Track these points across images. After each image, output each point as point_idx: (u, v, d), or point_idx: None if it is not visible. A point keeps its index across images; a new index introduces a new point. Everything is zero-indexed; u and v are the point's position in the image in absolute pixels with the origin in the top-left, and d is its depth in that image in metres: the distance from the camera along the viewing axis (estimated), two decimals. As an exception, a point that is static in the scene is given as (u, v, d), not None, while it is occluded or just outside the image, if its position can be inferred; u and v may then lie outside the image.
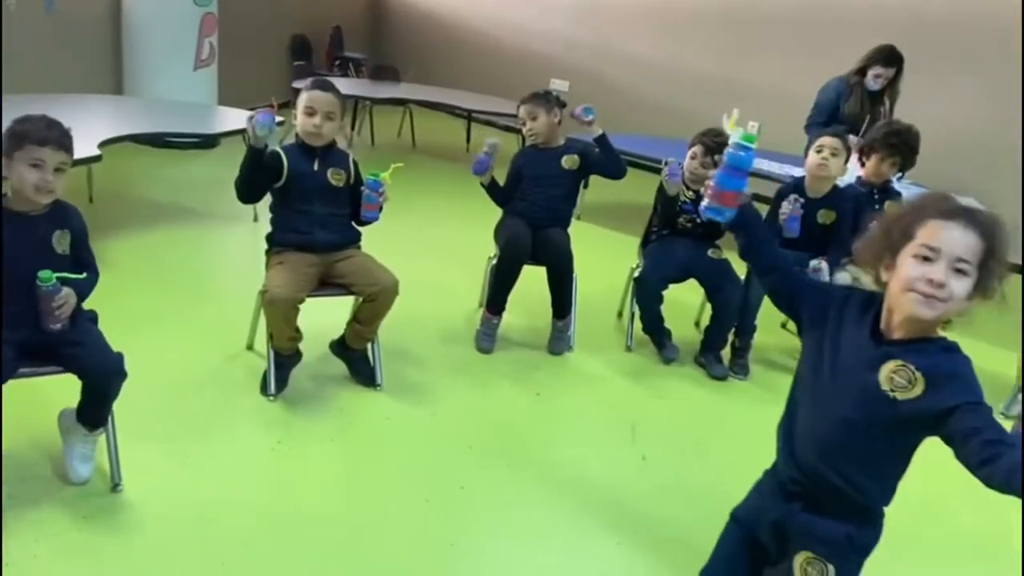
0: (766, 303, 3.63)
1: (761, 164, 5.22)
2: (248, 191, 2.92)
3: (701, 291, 3.70)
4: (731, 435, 3.17)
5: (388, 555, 2.24)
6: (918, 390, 1.46)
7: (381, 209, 2.97)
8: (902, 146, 3.74)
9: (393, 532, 2.33)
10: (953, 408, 1.41)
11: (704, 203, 1.73)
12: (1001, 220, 1.50)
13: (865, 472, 1.55)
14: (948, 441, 1.43)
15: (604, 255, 4.51)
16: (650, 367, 3.61)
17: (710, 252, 3.64)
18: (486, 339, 3.53)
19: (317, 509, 2.38)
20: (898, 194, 3.92)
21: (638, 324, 3.70)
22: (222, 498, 2.37)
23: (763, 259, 1.80)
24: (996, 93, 5.89)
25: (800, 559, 1.62)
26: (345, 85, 7.18)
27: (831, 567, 1.59)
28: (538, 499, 2.58)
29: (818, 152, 3.57)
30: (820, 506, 1.61)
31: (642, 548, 2.42)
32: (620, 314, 4.02)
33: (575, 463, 2.82)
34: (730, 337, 3.65)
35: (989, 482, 1.33)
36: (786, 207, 3.52)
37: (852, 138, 4.10)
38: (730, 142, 1.68)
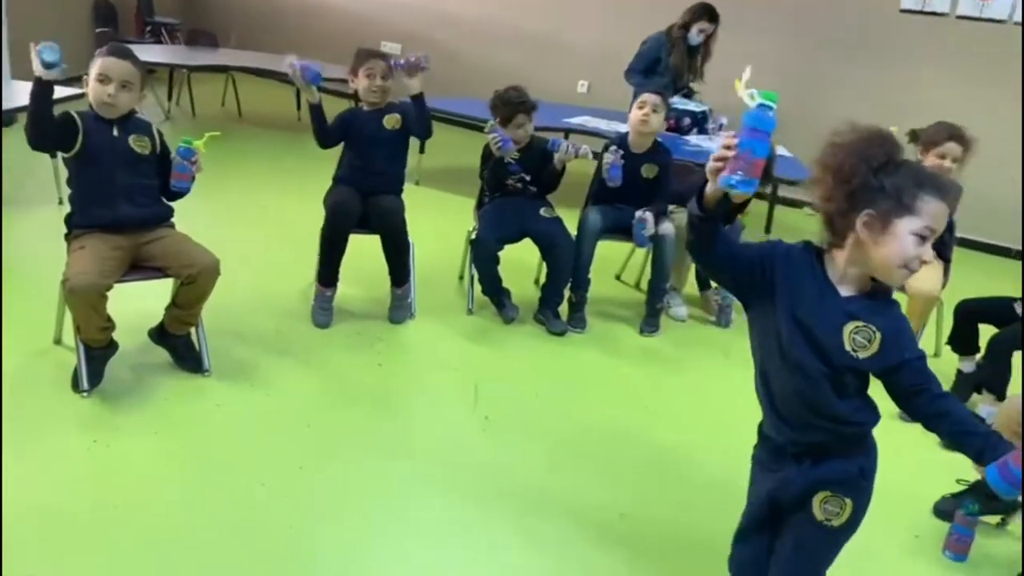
0: (598, 256, 3.74)
1: (590, 122, 5.35)
2: (35, 133, 2.64)
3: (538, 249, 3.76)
4: (570, 386, 3.24)
5: (223, 544, 2.13)
6: (875, 347, 1.56)
7: (193, 179, 2.78)
8: None
9: (228, 521, 2.22)
10: (902, 363, 1.56)
11: (735, 177, 1.47)
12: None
13: (850, 409, 1.62)
14: (893, 388, 1.59)
15: (443, 219, 4.48)
16: (492, 328, 3.63)
17: (543, 211, 3.68)
18: (322, 313, 3.42)
19: (142, 507, 2.23)
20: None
21: (478, 287, 3.71)
22: (32, 506, 2.17)
23: (719, 244, 1.64)
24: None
25: (818, 499, 1.67)
26: (159, 53, 6.69)
27: (848, 500, 1.66)
28: (380, 471, 2.54)
29: (640, 108, 3.67)
30: (827, 452, 1.66)
31: (485, 505, 2.44)
32: (461, 277, 4.02)
33: (418, 430, 2.80)
34: (567, 293, 3.73)
35: (934, 432, 1.60)
36: (608, 157, 3.61)
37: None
38: (751, 104, 1.49)
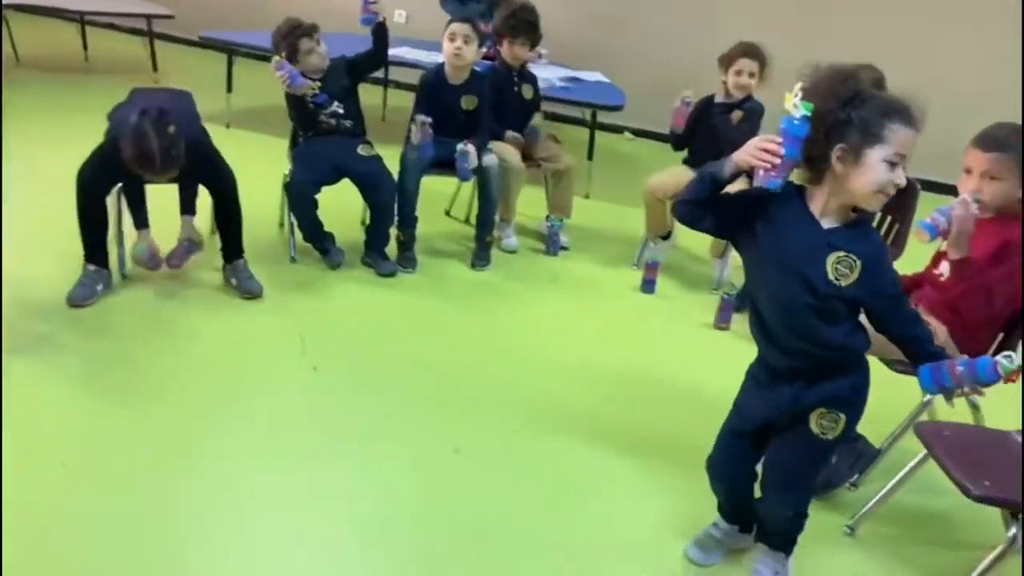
0: (425, 192, 3.66)
1: (410, 53, 5.16)
2: None
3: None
4: (403, 327, 3.19)
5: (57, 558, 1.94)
6: (856, 275, 1.67)
7: None
8: (524, 25, 3.88)
9: (50, 519, 2.02)
10: (878, 290, 1.69)
11: (775, 179, 1.65)
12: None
13: (841, 334, 1.73)
14: (870, 311, 1.75)
15: (258, 163, 4.19)
16: (317, 275, 3.48)
17: (360, 149, 3.53)
18: (81, 289, 2.98)
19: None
20: (533, 77, 4.09)
21: (299, 233, 3.54)
22: None
23: (712, 212, 1.79)
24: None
25: (815, 415, 1.80)
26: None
27: (842, 415, 1.80)
28: (209, 432, 2.40)
29: (451, 40, 3.57)
30: (819, 374, 1.78)
31: (316, 455, 2.36)
32: (281, 224, 3.82)
33: (239, 385, 2.65)
34: (393, 232, 3.64)
35: (899, 348, 1.77)
36: (415, 133, 3.49)
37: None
38: (796, 114, 1.62)
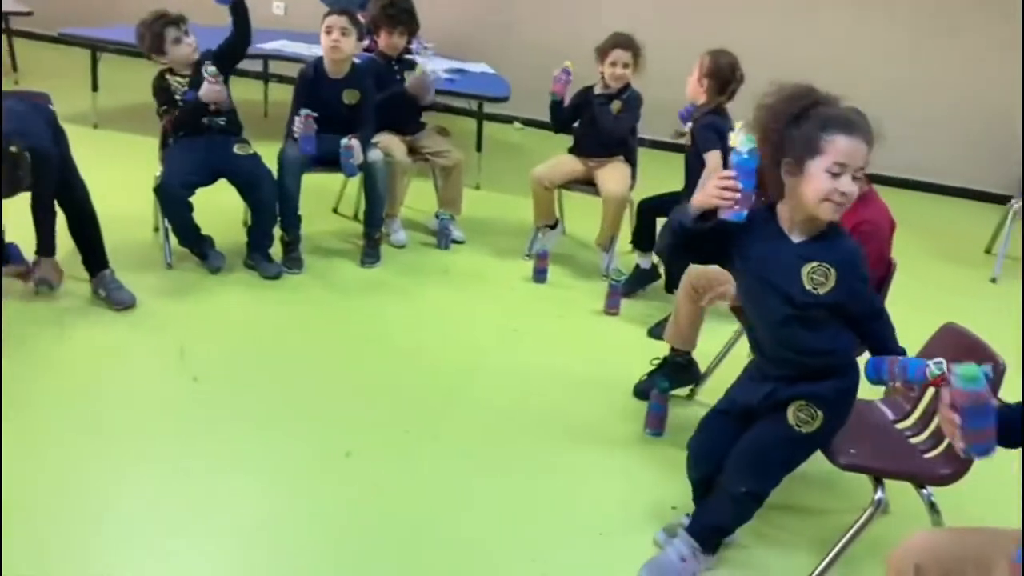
0: (312, 190, 3.57)
1: (289, 46, 5.02)
2: None
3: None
4: (290, 331, 3.10)
5: None
6: (832, 281, 1.77)
7: None
8: (401, 14, 3.82)
9: None
10: (856, 294, 1.80)
11: (740, 212, 1.73)
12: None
13: (826, 338, 1.84)
14: (848, 318, 1.83)
15: (129, 165, 4.00)
16: (196, 281, 3.34)
17: (236, 148, 3.41)
18: None
19: None
20: (412, 64, 4.04)
21: (175, 238, 3.38)
22: None
23: (693, 251, 1.95)
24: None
25: (793, 407, 1.88)
26: None
27: (820, 412, 1.87)
28: (84, 448, 2.26)
29: (328, 33, 3.48)
30: (806, 378, 1.87)
31: (203, 468, 2.27)
32: (156, 229, 3.64)
33: (111, 405, 2.51)
34: (277, 233, 3.53)
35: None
36: (297, 126, 3.38)
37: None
38: (741, 149, 1.72)
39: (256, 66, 5.72)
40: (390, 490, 2.30)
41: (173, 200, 3.24)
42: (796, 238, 1.82)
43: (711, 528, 2.05)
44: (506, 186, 4.81)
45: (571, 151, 3.90)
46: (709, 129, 3.20)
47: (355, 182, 3.98)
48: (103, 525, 2.04)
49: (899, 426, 2.15)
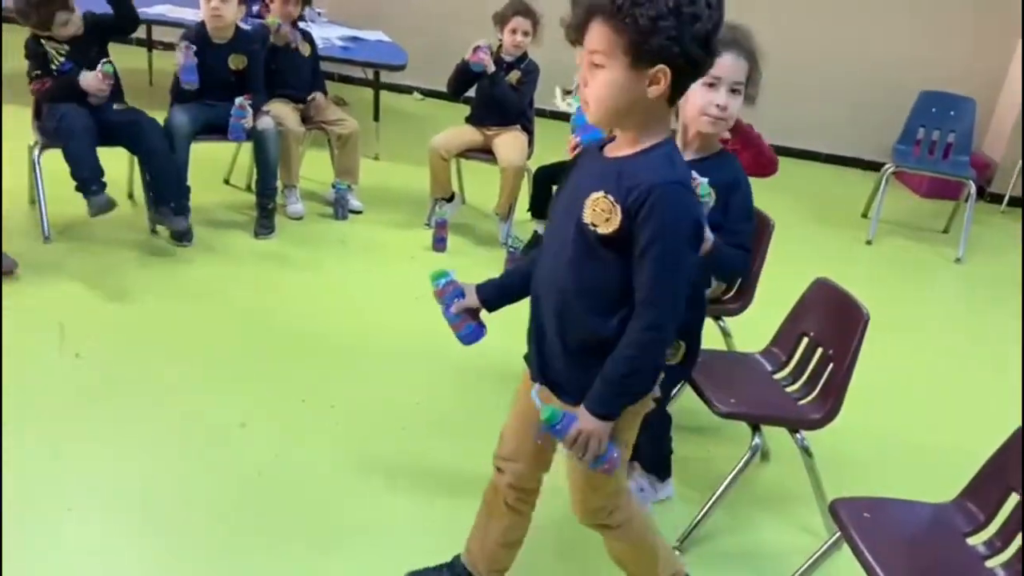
0: (203, 161, 3.45)
1: (173, 11, 4.80)
2: None
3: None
4: (180, 304, 3.00)
5: None
6: (711, 199, 1.77)
7: None
8: None
9: None
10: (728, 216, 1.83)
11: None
12: (751, 33, 1.78)
13: None
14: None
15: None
16: (77, 254, 3.20)
17: (116, 107, 3.26)
18: None
19: None
20: (309, 34, 3.95)
21: (53, 205, 3.22)
22: None
23: None
24: None
25: None
26: None
27: (682, 341, 1.97)
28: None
29: (207, 1, 3.36)
30: None
31: (89, 440, 2.20)
32: (32, 201, 3.44)
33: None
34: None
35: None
36: (179, 56, 3.29)
37: None
38: (572, 110, 1.80)
39: (139, 33, 5.44)
40: (287, 458, 2.28)
41: (70, 132, 3.09)
42: (686, 155, 1.86)
43: (651, 457, 2.20)
44: (405, 156, 4.76)
45: (468, 120, 3.90)
46: None
47: (247, 152, 3.87)
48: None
49: (776, 376, 2.27)
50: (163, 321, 2.88)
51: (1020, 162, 5.35)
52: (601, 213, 1.37)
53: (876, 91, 5.68)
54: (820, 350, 2.17)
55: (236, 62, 3.48)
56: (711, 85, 1.78)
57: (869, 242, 4.56)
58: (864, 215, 4.87)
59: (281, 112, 3.69)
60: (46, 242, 3.22)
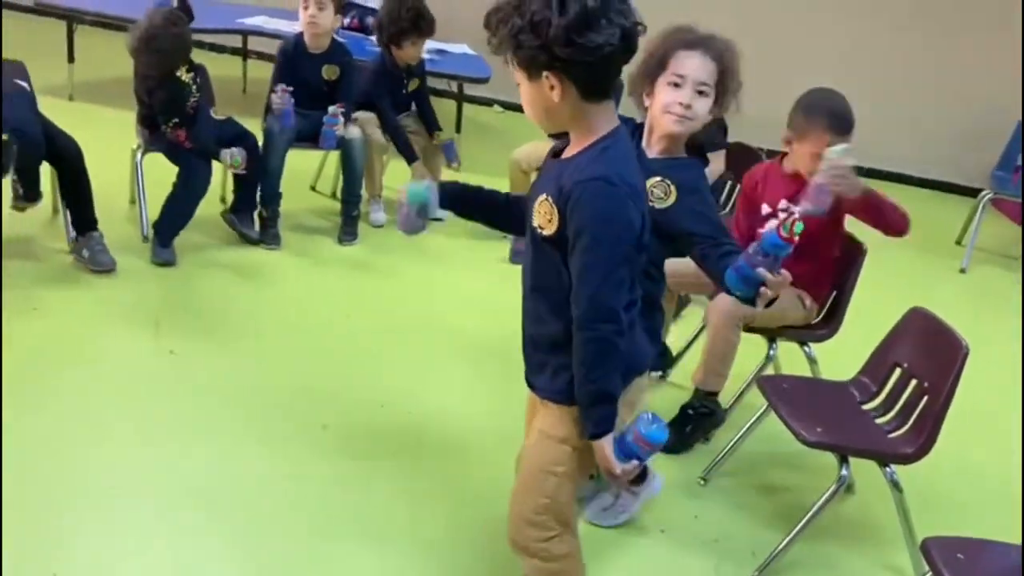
0: (289, 168, 3.56)
1: (269, 23, 4.97)
2: None
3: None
4: (266, 306, 3.09)
5: None
6: (672, 199, 1.78)
7: None
8: (428, 23, 3.78)
9: None
10: (695, 217, 1.78)
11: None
12: (733, 45, 1.79)
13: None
14: (686, 240, 1.77)
15: (104, 138, 3.94)
16: (178, 251, 3.30)
17: (212, 112, 3.38)
18: None
19: None
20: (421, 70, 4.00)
21: (152, 210, 3.35)
22: None
23: None
24: None
25: None
26: None
27: None
28: (56, 431, 2.25)
29: (305, 9, 3.47)
30: None
31: (183, 441, 2.28)
32: (132, 202, 3.60)
33: (95, 376, 2.50)
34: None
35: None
36: (276, 101, 3.38)
37: None
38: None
39: (235, 42, 5.66)
40: (365, 461, 2.31)
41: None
42: (651, 154, 1.87)
43: None
44: (486, 168, 4.78)
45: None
46: (717, 126, 3.14)
47: (333, 161, 3.96)
48: (63, 487, 2.05)
49: (865, 407, 2.20)
50: (250, 322, 2.96)
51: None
52: (544, 215, 1.42)
53: (975, 116, 5.46)
54: (914, 382, 2.09)
55: (329, 72, 3.58)
56: (676, 84, 1.79)
57: (963, 270, 4.38)
58: (958, 242, 4.68)
59: (367, 123, 3.77)
60: (144, 241, 3.36)
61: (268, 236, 3.52)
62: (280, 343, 2.85)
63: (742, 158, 3.23)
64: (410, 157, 3.81)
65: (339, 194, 3.86)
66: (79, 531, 1.94)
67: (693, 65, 1.79)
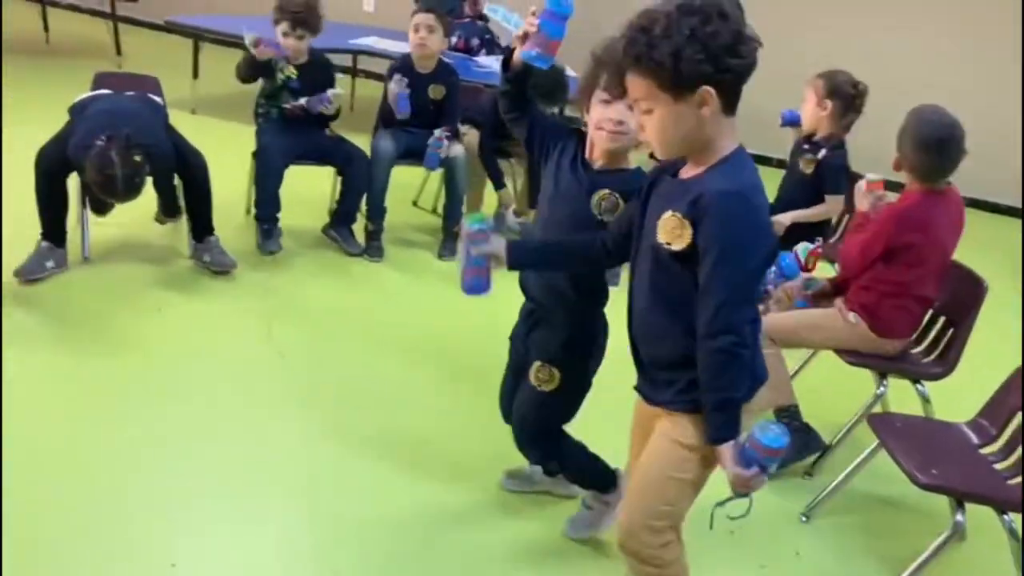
0: (392, 183, 3.66)
1: (379, 43, 5.15)
2: None
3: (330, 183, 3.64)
4: (369, 315, 3.19)
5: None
6: (619, 213, 1.76)
7: None
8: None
9: (8, 504, 1.99)
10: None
11: (532, 51, 1.66)
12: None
13: (578, 285, 1.86)
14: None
15: (224, 150, 4.15)
16: (285, 264, 3.46)
17: (327, 131, 3.54)
18: (29, 263, 2.96)
19: None
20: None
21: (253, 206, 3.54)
22: None
23: (530, 106, 1.87)
24: None
25: (533, 368, 1.95)
26: None
27: (556, 370, 1.92)
28: (173, 427, 2.38)
29: (415, 31, 3.57)
30: (548, 322, 1.93)
31: (291, 445, 2.37)
32: (248, 211, 3.78)
33: (207, 380, 2.63)
34: (359, 218, 3.66)
35: None
36: (393, 87, 3.50)
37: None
38: None
39: (345, 61, 5.88)
40: (465, 475, 2.34)
41: (268, 166, 3.42)
42: (597, 165, 1.82)
43: (580, 480, 2.14)
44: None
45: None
46: (841, 171, 3.09)
47: (436, 176, 4.06)
48: (179, 479, 2.15)
49: (983, 451, 2.10)
50: (355, 332, 3.05)
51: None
52: (672, 231, 1.44)
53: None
54: (1039, 428, 1.98)
55: (436, 92, 3.67)
56: (607, 101, 1.73)
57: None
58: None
59: (471, 140, 3.85)
60: (258, 250, 3.51)
61: (372, 248, 3.64)
62: (383, 354, 2.93)
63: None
64: (498, 183, 3.88)
65: (440, 210, 3.95)
66: (196, 522, 2.04)
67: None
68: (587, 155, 1.83)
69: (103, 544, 1.92)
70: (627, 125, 1.72)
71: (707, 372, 1.45)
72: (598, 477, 2.11)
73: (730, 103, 1.42)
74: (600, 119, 1.73)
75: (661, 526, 1.58)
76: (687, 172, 1.50)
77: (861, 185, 2.49)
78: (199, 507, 2.09)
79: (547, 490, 2.27)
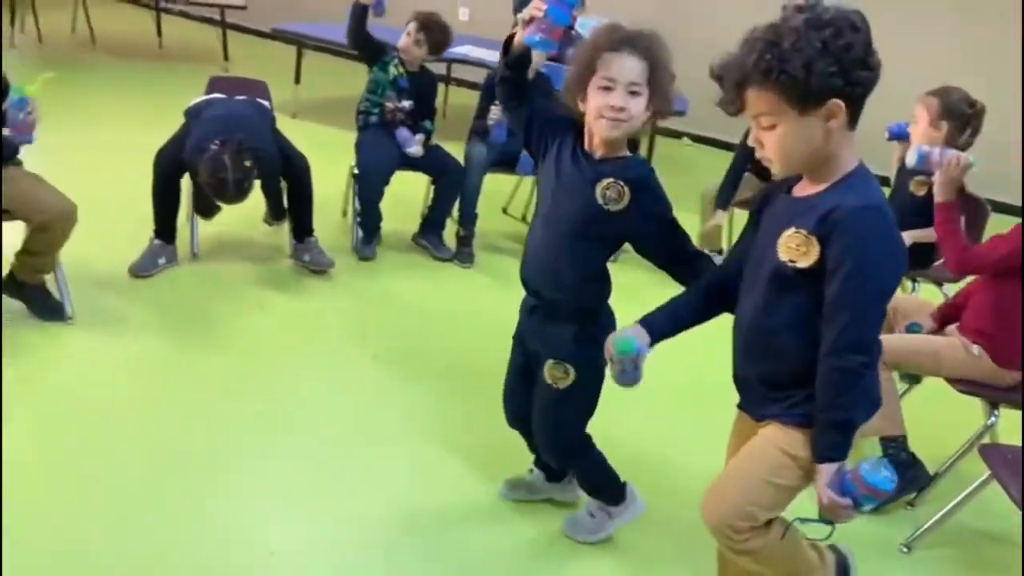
0: (487, 189, 3.71)
1: (474, 52, 5.22)
2: None
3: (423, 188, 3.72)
4: (460, 321, 3.23)
5: (101, 518, 2.02)
6: (625, 202, 1.74)
7: (33, 129, 2.57)
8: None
9: (111, 491, 2.10)
10: (654, 216, 1.78)
11: (535, 36, 1.68)
12: (659, 37, 1.74)
13: (581, 277, 1.83)
14: (638, 242, 1.83)
15: (322, 154, 4.29)
16: (379, 266, 3.55)
17: (419, 137, 3.61)
18: (142, 260, 3.14)
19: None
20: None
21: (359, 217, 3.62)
22: None
23: (529, 95, 1.85)
24: None
25: (547, 367, 1.91)
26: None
27: (571, 367, 1.88)
28: (269, 421, 2.47)
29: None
30: (553, 316, 1.89)
31: (380, 444, 2.43)
32: (344, 214, 3.89)
33: (303, 377, 2.71)
34: (449, 224, 3.72)
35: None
36: (493, 115, 3.53)
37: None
38: None
39: (439, 69, 5.98)
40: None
41: (370, 186, 3.51)
42: (597, 155, 1.78)
43: (594, 489, 2.10)
44: (675, 202, 4.77)
45: (749, 170, 3.83)
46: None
47: (526, 185, 4.09)
48: (269, 477, 2.23)
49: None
50: (445, 336, 3.11)
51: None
52: (796, 248, 1.42)
53: None
54: None
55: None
56: (606, 88, 1.68)
57: None
58: None
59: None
60: (354, 252, 3.61)
61: (463, 254, 3.69)
62: (473, 360, 2.96)
63: (968, 209, 2.99)
64: None
65: (529, 218, 3.97)
66: (291, 513, 2.11)
67: (621, 66, 1.70)
68: (586, 146, 1.80)
69: (205, 533, 2.00)
70: (627, 112, 1.70)
71: (829, 390, 1.43)
72: (611, 489, 2.10)
73: (855, 117, 1.40)
74: (601, 106, 1.70)
75: (742, 526, 1.55)
76: (806, 189, 1.48)
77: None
78: (294, 499, 2.16)
79: (549, 497, 2.25)
